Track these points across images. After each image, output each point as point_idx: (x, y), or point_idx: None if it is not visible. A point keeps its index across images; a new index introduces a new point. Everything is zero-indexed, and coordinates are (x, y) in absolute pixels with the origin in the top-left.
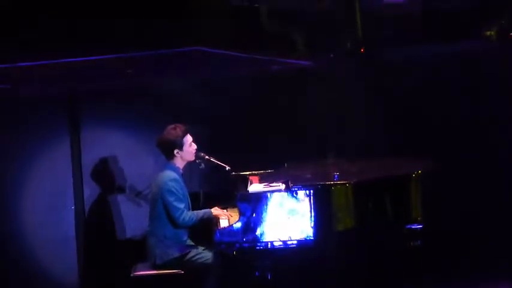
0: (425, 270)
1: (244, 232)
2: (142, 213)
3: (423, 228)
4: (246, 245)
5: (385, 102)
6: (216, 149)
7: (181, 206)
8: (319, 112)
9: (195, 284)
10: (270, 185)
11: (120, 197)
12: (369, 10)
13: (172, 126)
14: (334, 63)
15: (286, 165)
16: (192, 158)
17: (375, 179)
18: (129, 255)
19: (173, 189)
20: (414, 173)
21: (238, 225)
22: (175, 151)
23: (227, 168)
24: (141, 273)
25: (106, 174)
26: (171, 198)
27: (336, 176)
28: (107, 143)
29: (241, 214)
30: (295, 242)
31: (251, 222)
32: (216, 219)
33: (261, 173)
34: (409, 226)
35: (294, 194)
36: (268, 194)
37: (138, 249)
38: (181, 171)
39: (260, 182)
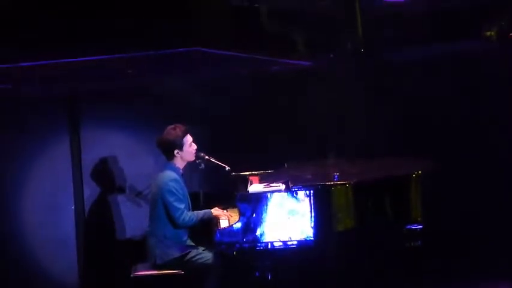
0: (425, 270)
1: (245, 232)
2: (142, 214)
3: (423, 229)
4: (246, 245)
5: (385, 103)
6: (216, 149)
7: (182, 206)
8: (319, 112)
9: (195, 284)
10: (270, 185)
11: (120, 197)
12: (369, 10)
13: (172, 126)
14: (334, 63)
15: (286, 165)
16: (192, 158)
17: (375, 179)
18: (129, 255)
19: (173, 190)
20: (414, 174)
21: (238, 225)
22: (176, 151)
23: (227, 168)
24: (141, 273)
25: (106, 174)
26: (171, 199)
27: (336, 176)
28: (107, 143)
29: (241, 214)
30: (295, 242)
31: (251, 223)
32: (216, 220)
33: (261, 173)
34: (409, 226)
35: (294, 194)
36: (268, 194)
37: (138, 250)
38: (181, 171)
39: (260, 182)
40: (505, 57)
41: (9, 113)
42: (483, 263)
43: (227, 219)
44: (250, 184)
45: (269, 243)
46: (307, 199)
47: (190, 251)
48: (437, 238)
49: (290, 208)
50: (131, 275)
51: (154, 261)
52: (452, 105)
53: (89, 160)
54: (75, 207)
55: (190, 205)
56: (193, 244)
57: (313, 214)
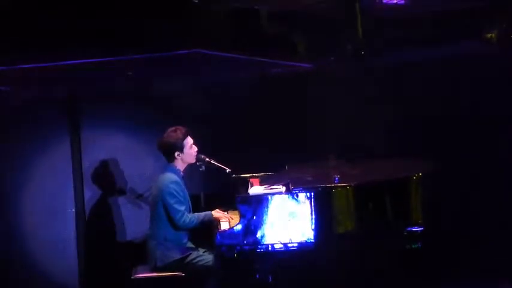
0: (425, 270)
1: (245, 234)
2: (142, 216)
3: (424, 230)
4: (246, 247)
5: (385, 104)
6: (216, 151)
7: (182, 208)
8: (319, 114)
9: (195, 287)
10: (271, 187)
11: (121, 199)
12: (369, 12)
13: (173, 128)
14: (335, 65)
15: (286, 167)
16: (192, 160)
17: (376, 181)
18: (129, 257)
19: (174, 192)
20: (415, 176)
21: (239, 227)
22: (176, 153)
23: (228, 170)
24: (142, 275)
25: (106, 176)
26: (171, 201)
27: (336, 178)
28: (107, 145)
29: (241, 216)
30: (295, 244)
31: (252, 225)
32: (216, 222)
33: (261, 175)
34: (409, 228)
35: (295, 197)
36: (269, 197)
37: (139, 252)
38: (182, 173)
39: (261, 184)
40: (505, 58)
41: (10, 115)
42: (483, 263)
43: (228, 221)
44: (251, 186)
45: (270, 245)
46: (307, 201)
47: (190, 253)
48: (437, 238)
49: (291, 210)
50: (131, 277)
51: (155, 264)
52: (452, 105)
53: (90, 162)
54: (75, 209)
55: (190, 207)
56: (194, 246)
57: (313, 216)
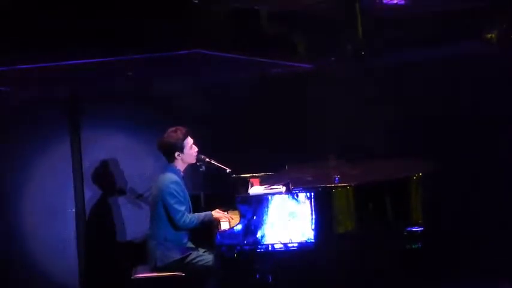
0: (425, 270)
1: (245, 234)
2: (142, 216)
3: (424, 231)
4: (246, 247)
5: (385, 104)
6: (216, 152)
7: (182, 208)
8: (319, 114)
9: (195, 287)
10: (271, 187)
11: (121, 199)
12: (369, 12)
13: (173, 128)
14: (335, 65)
15: (286, 167)
16: (193, 160)
17: (376, 181)
18: (129, 257)
19: (174, 192)
20: (415, 176)
21: (239, 227)
22: (176, 154)
23: (228, 170)
24: (142, 275)
25: (106, 176)
26: (171, 201)
27: (336, 178)
28: (107, 145)
29: (242, 216)
30: (296, 244)
31: (252, 225)
32: (216, 222)
33: (261, 176)
34: (409, 228)
35: (295, 197)
36: (269, 197)
37: (139, 252)
38: (182, 173)
39: (261, 184)
40: (505, 58)
41: (10, 115)
42: (483, 263)
43: (228, 221)
44: (251, 186)
45: (270, 245)
46: (307, 201)
47: (190, 253)
48: (437, 238)
49: (291, 210)
50: (131, 277)
51: (155, 264)
52: (452, 105)
53: (90, 162)
54: (75, 209)
55: (191, 207)
56: (194, 246)
57: (313, 216)
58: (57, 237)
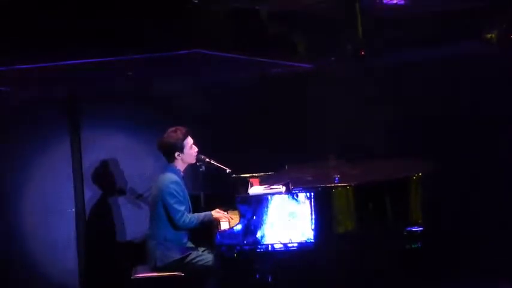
0: (425, 270)
1: (245, 234)
2: (142, 216)
3: (423, 230)
4: (246, 247)
5: (385, 104)
6: (216, 152)
7: (182, 208)
8: (319, 114)
9: (195, 287)
10: (271, 187)
11: (121, 199)
12: (369, 12)
13: (173, 128)
14: (335, 65)
15: (286, 167)
16: (192, 160)
17: (376, 181)
18: (129, 257)
19: (174, 192)
20: (415, 176)
21: (239, 227)
22: (176, 154)
23: (228, 170)
24: (142, 275)
25: (106, 176)
26: (171, 201)
27: (336, 178)
28: (107, 145)
29: (241, 216)
30: (295, 244)
31: (252, 225)
32: (216, 222)
33: (261, 176)
34: (409, 228)
35: (295, 197)
36: (269, 197)
37: (139, 252)
38: (182, 173)
39: (261, 184)
40: (505, 58)
41: (10, 115)
42: (483, 263)
43: (228, 221)
44: (251, 186)
45: (269, 245)
46: (307, 201)
47: (190, 253)
48: (437, 238)
49: (291, 210)
50: (131, 277)
51: (155, 264)
52: (452, 105)
53: (90, 162)
54: (75, 209)
55: (190, 207)
56: (194, 246)
57: (313, 216)
58: (57, 237)
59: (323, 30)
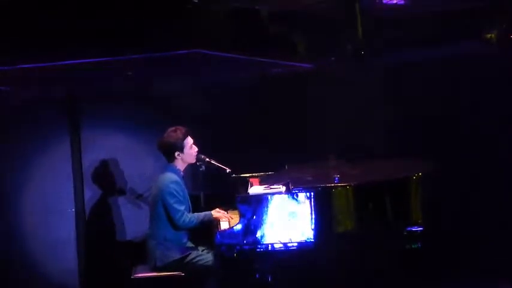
0: (425, 270)
1: (245, 234)
2: (142, 216)
3: (423, 230)
4: (246, 247)
5: (385, 104)
6: (216, 151)
7: (182, 208)
8: (319, 114)
9: (195, 286)
10: (271, 187)
11: (121, 199)
12: (369, 12)
13: (173, 128)
14: (335, 65)
15: (286, 167)
16: (192, 160)
17: (376, 181)
18: (129, 257)
19: (174, 192)
20: (414, 176)
21: (239, 227)
22: (176, 153)
23: (228, 170)
24: (141, 275)
25: (106, 176)
26: (171, 201)
27: (336, 178)
28: (107, 145)
29: (241, 216)
30: (295, 244)
31: (252, 225)
32: (216, 222)
33: (261, 175)
34: (409, 228)
35: (295, 196)
36: (269, 196)
37: (138, 251)
38: (182, 173)
39: (260, 184)
40: (505, 58)
41: (10, 115)
42: (483, 263)
43: (227, 221)
44: (251, 186)
45: (269, 245)
46: (307, 201)
47: (190, 253)
48: (437, 238)
49: (290, 210)
50: (131, 277)
51: (155, 263)
52: (452, 105)
53: (90, 162)
54: (75, 208)
55: (190, 207)
56: (194, 246)
57: (313, 216)
58: (57, 237)
59: (323, 30)
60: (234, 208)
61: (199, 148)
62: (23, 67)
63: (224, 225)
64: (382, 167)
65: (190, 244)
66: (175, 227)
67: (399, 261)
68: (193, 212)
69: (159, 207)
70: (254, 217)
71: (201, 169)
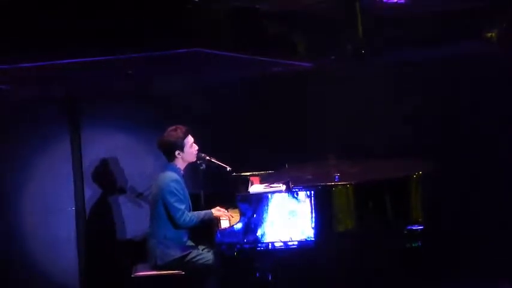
0: (425, 270)
1: (245, 233)
2: (142, 214)
3: (424, 229)
4: (246, 245)
5: (385, 103)
6: (217, 150)
7: (182, 206)
8: (319, 114)
9: (195, 285)
10: (271, 185)
11: (121, 198)
12: (369, 11)
13: (173, 127)
14: (335, 64)
15: (287, 166)
16: (193, 159)
17: (376, 180)
18: (129, 256)
19: (174, 190)
20: (415, 174)
21: (239, 226)
22: (176, 152)
23: (228, 169)
24: (142, 274)
25: (106, 175)
26: (171, 199)
27: (336, 177)
28: (107, 144)
29: (242, 215)
30: (295, 242)
31: (252, 223)
32: (216, 220)
33: (261, 174)
34: (409, 227)
35: (295, 195)
36: (269, 195)
37: (139, 250)
38: (182, 172)
39: (261, 182)
40: (505, 58)
41: (9, 114)
42: (483, 263)
43: (228, 219)
44: (251, 185)
45: (270, 244)
46: (307, 200)
47: (190, 252)
48: (437, 238)
49: (291, 209)
50: (132, 276)
51: (155, 262)
52: (452, 105)
53: (90, 161)
54: (75, 207)
55: (191, 206)
56: (194, 244)
57: (313, 215)
58: (57, 236)
59: (323, 30)
60: (234, 207)
61: (200, 147)
62: (23, 66)
63: (224, 224)
64: (382, 166)
65: (190, 243)
66: (176, 225)
67: (399, 260)
68: (194, 210)
69: (160, 206)
70: (254, 216)
71: (201, 168)
